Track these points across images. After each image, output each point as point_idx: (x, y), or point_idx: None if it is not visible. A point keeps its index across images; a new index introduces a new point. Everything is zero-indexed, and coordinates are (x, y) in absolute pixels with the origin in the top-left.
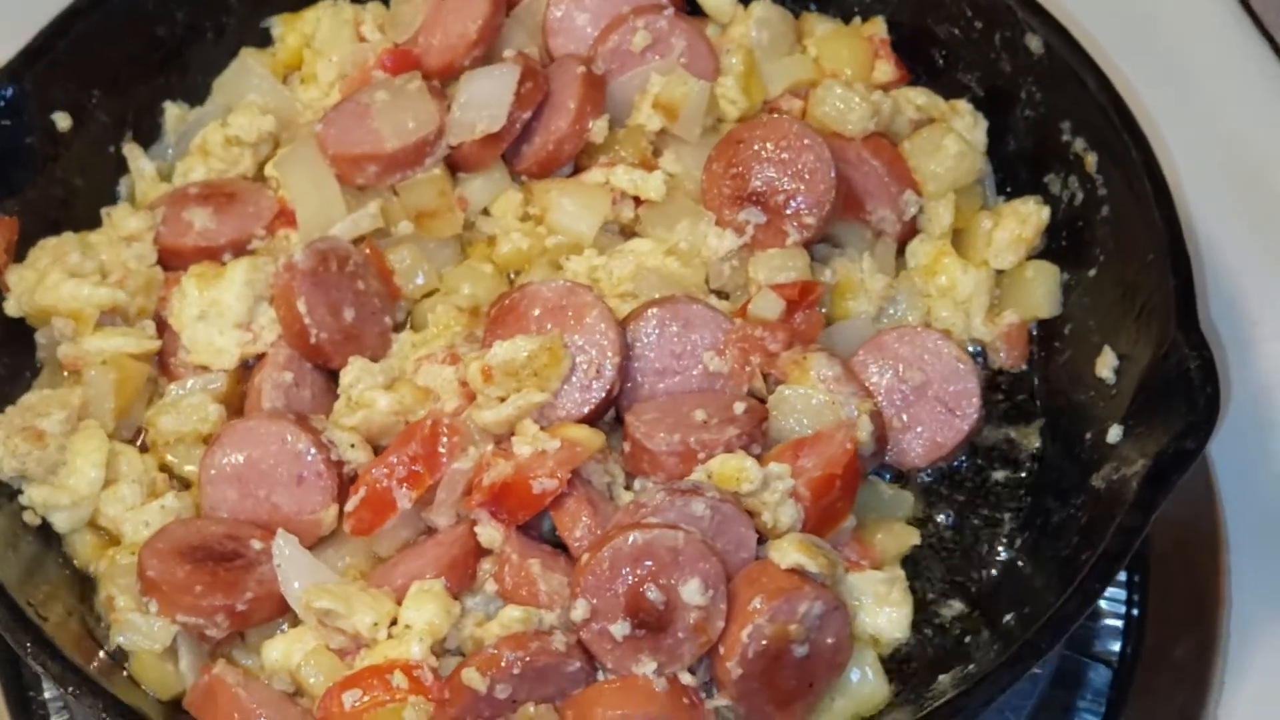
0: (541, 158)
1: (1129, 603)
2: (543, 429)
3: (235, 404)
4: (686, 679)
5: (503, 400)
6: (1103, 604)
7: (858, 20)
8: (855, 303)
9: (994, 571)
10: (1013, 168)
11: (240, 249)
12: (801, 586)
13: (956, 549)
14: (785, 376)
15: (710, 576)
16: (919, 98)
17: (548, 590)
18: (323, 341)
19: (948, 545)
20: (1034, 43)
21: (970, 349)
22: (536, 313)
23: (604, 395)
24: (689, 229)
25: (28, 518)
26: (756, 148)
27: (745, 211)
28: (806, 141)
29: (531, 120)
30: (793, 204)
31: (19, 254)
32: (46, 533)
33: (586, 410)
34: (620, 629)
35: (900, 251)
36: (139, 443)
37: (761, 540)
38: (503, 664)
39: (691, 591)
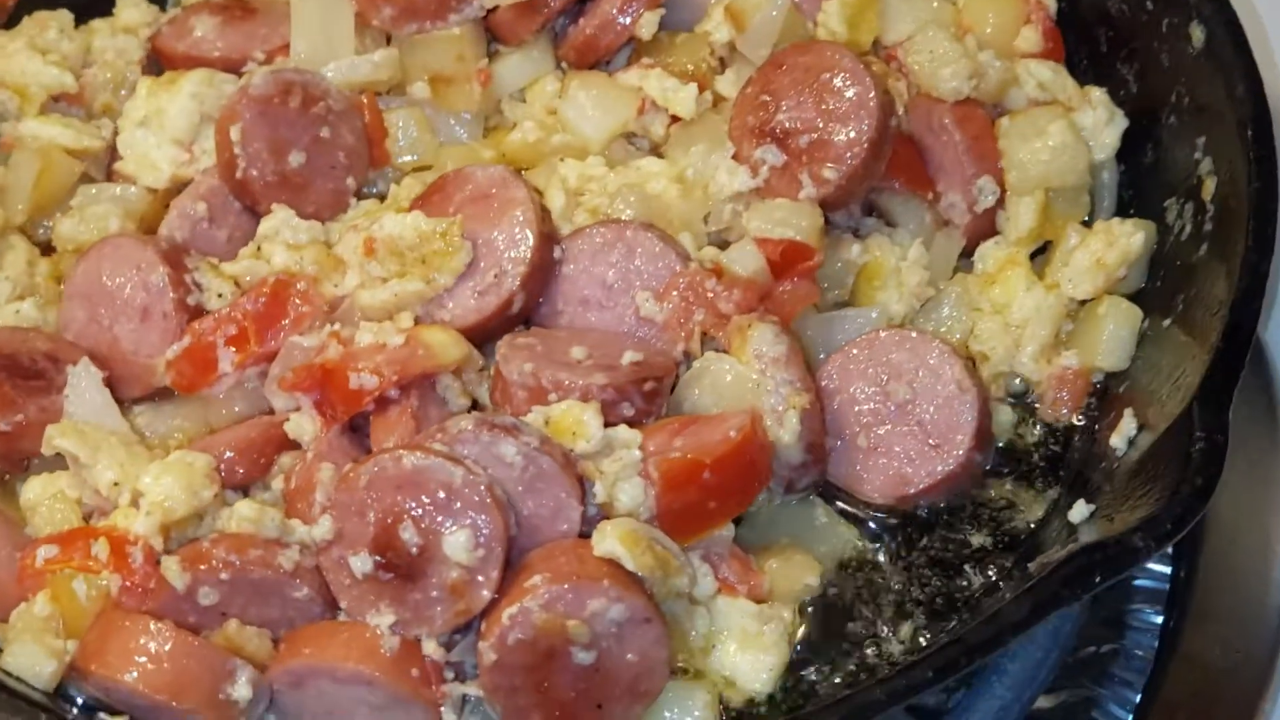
0: (578, 43)
1: None
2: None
3: (151, 228)
4: (430, 649)
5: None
6: None
7: None
8: (884, 294)
9: (896, 644)
10: (1144, 185)
11: (232, 68)
12: (600, 580)
13: (875, 609)
14: (728, 345)
15: (485, 534)
16: (1044, 72)
17: (323, 503)
18: (251, 179)
19: (872, 601)
20: (1196, 33)
21: (1017, 386)
22: (463, 194)
23: (497, 305)
24: (701, 156)
25: None
26: (795, 76)
27: (763, 149)
28: (848, 79)
29: (584, 2)
30: (816, 151)
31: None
32: None
33: (474, 319)
34: (361, 564)
35: (971, 253)
36: None
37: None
38: (209, 563)
39: (456, 545)
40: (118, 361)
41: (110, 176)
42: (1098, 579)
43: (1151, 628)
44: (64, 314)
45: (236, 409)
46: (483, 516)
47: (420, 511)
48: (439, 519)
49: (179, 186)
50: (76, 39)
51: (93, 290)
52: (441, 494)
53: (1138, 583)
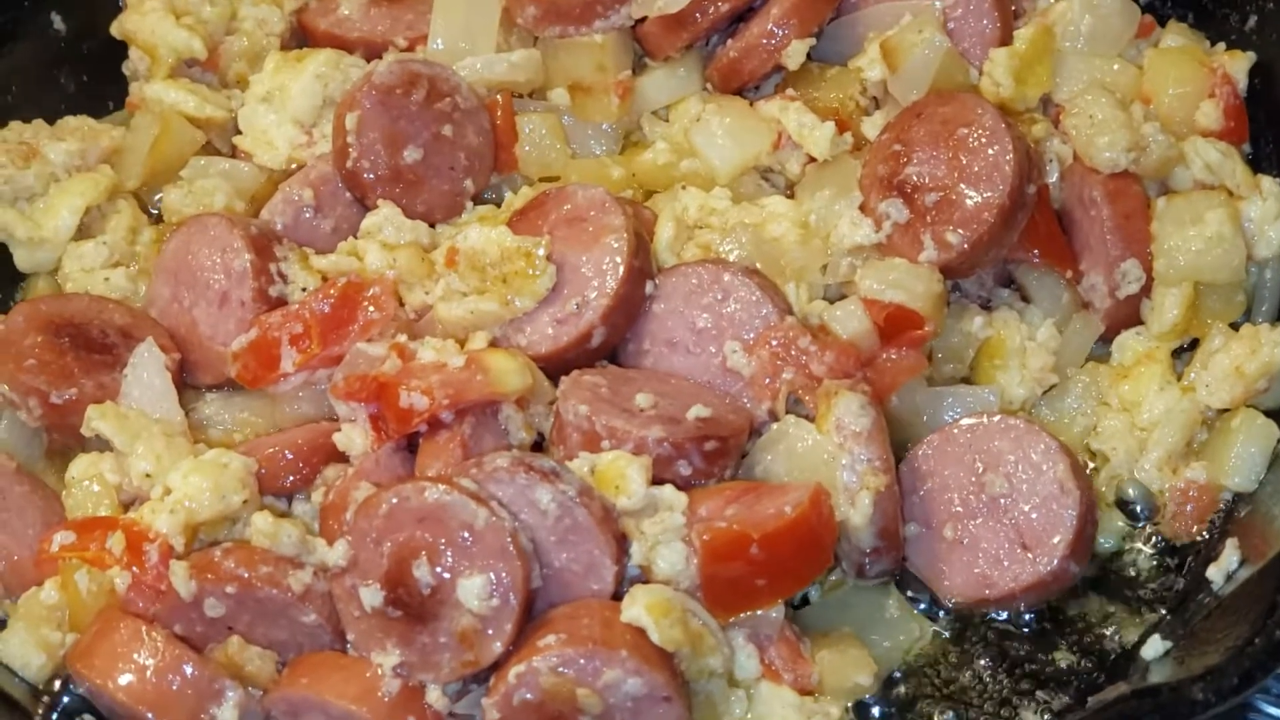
0: (722, 65)
1: None
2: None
3: (262, 209)
4: (433, 697)
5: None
6: None
7: (1221, 47)
8: (1005, 374)
9: None
10: None
11: (373, 51)
12: (618, 649)
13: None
14: (814, 411)
15: (503, 583)
16: (1211, 153)
17: (346, 526)
18: (361, 170)
19: (930, 704)
20: None
21: (1134, 498)
22: (560, 214)
23: (575, 337)
24: (827, 202)
25: None
26: (932, 127)
27: (888, 202)
28: (986, 137)
29: (738, 22)
30: (942, 211)
31: None
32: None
33: (549, 348)
34: (371, 596)
35: (1110, 341)
36: None
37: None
38: (217, 573)
39: (469, 590)
40: (193, 345)
41: (234, 150)
42: None
43: None
44: (151, 289)
45: (303, 410)
46: (501, 564)
47: (437, 550)
48: (456, 561)
49: (296, 168)
50: (221, 4)
51: (179, 268)
52: (462, 535)
53: None
